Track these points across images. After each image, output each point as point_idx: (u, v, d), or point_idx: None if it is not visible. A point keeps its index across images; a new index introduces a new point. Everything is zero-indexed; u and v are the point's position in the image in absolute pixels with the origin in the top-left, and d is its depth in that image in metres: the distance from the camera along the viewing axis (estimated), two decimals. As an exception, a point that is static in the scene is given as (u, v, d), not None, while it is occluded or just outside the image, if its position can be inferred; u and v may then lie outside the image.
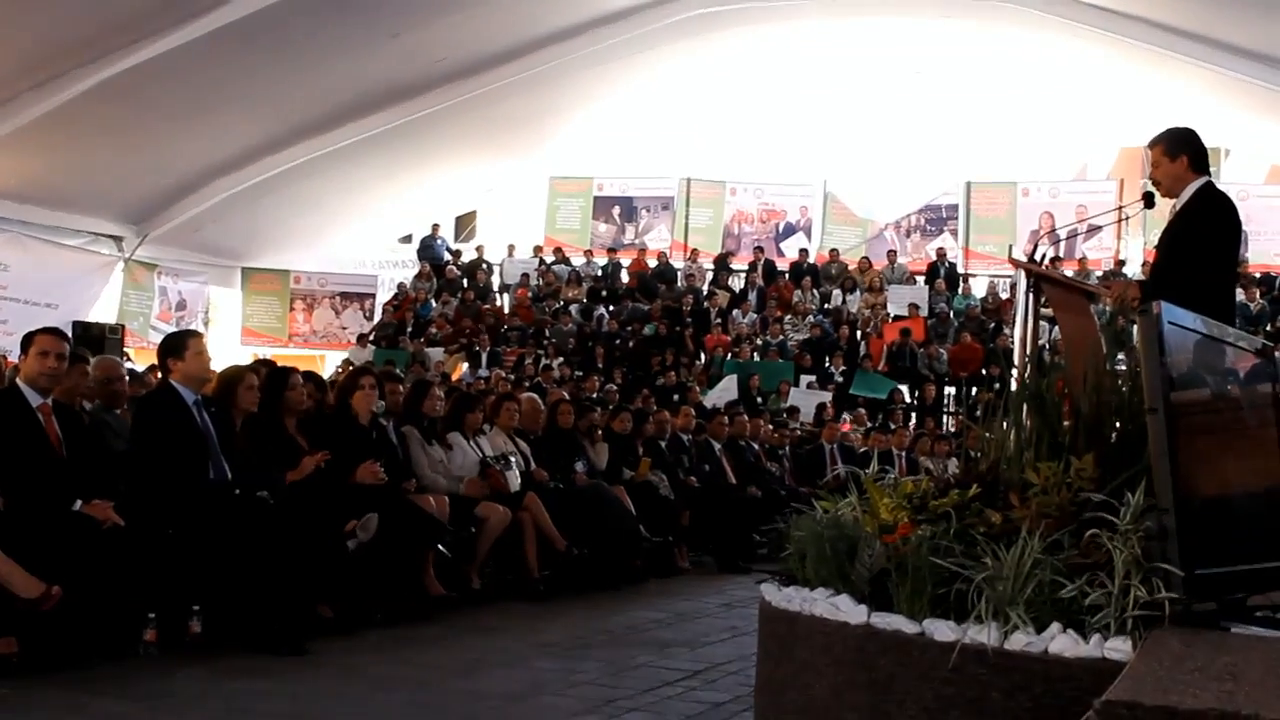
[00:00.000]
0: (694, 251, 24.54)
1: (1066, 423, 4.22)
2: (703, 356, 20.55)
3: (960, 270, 23.55)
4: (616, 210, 26.69)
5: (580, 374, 18.24)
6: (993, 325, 19.98)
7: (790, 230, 25.85)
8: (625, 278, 23.84)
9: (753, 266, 23.88)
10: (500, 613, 8.01)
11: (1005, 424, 4.30)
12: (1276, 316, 19.63)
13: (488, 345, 20.70)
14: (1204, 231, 5.39)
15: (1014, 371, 4.94)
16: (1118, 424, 4.17)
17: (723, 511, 11.61)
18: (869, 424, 16.49)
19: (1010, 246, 22.35)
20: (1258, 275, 21.35)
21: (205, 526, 6.39)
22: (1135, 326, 4.18)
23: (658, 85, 23.56)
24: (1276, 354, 4.36)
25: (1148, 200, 5.90)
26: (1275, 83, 17.59)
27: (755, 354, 20.25)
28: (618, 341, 21.07)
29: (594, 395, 15.84)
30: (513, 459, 9.27)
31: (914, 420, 17.98)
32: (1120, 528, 3.61)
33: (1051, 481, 3.85)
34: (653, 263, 24.36)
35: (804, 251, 24.22)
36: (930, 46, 22.50)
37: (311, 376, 8.44)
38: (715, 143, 27.30)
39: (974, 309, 21.17)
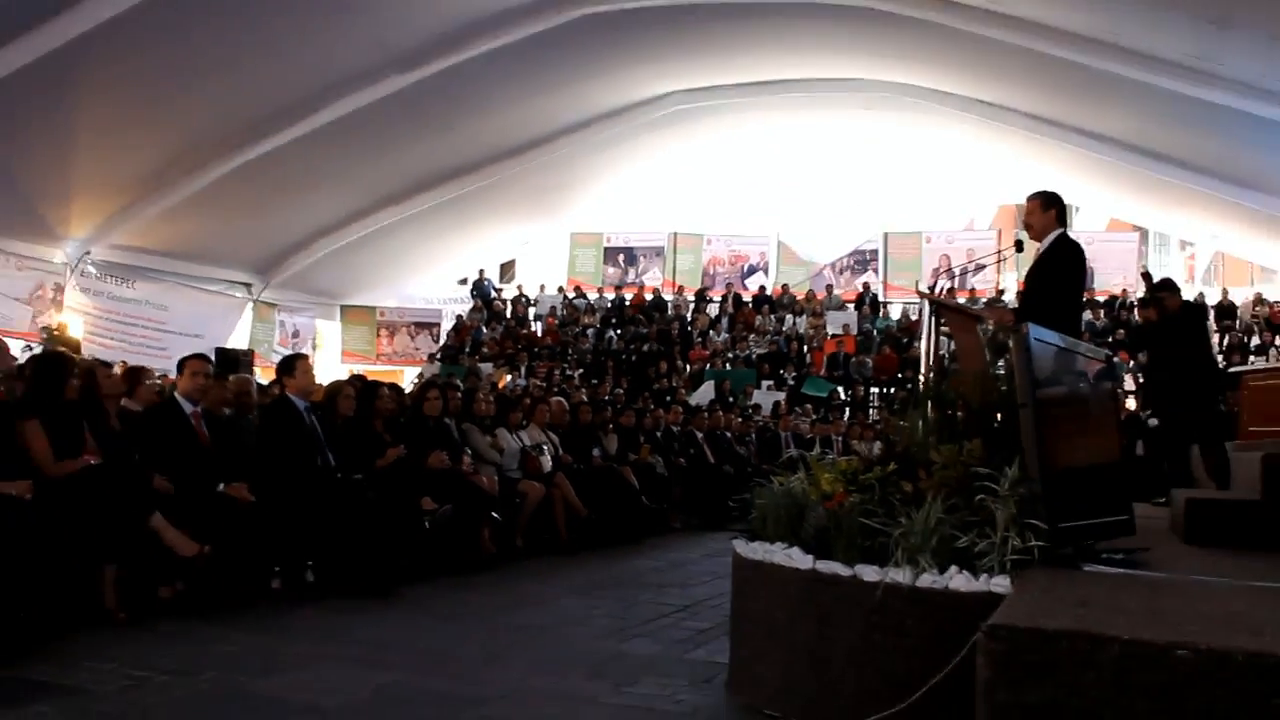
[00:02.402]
0: (680, 287, 24.42)
1: (960, 414, 4.22)
2: (688, 367, 20.49)
3: (881, 299, 23.41)
4: (621, 257, 26.58)
5: (595, 381, 18.12)
6: (906, 340, 19.89)
7: (753, 270, 25.76)
8: (629, 308, 23.74)
9: (725, 298, 23.73)
10: (536, 565, 8.01)
11: (915, 416, 4.31)
12: (1115, 331, 19.56)
13: (525, 360, 20.63)
14: (1061, 269, 5.40)
15: (921, 376, 4.94)
16: (999, 415, 4.18)
17: (704, 485, 11.62)
18: (814, 416, 16.42)
19: (917, 281, 22.26)
20: (1101, 299, 21.30)
21: (315, 502, 6.41)
22: (1010, 341, 4.20)
23: (651, 161, 23.48)
24: (1115, 361, 4.39)
25: (1018, 246, 5.93)
26: (1113, 156, 17.59)
27: (727, 364, 20.18)
28: (623, 356, 21.00)
29: (606, 398, 15.81)
30: (545, 447, 9.28)
31: (848, 414, 17.91)
32: (1001, 493, 3.64)
33: (949, 459, 3.87)
34: (649, 296, 24.24)
35: (763, 287, 24.08)
36: (858, 128, 22.51)
37: (393, 387, 8.45)
38: (696, 203, 27.30)
39: (892, 328, 21.05)
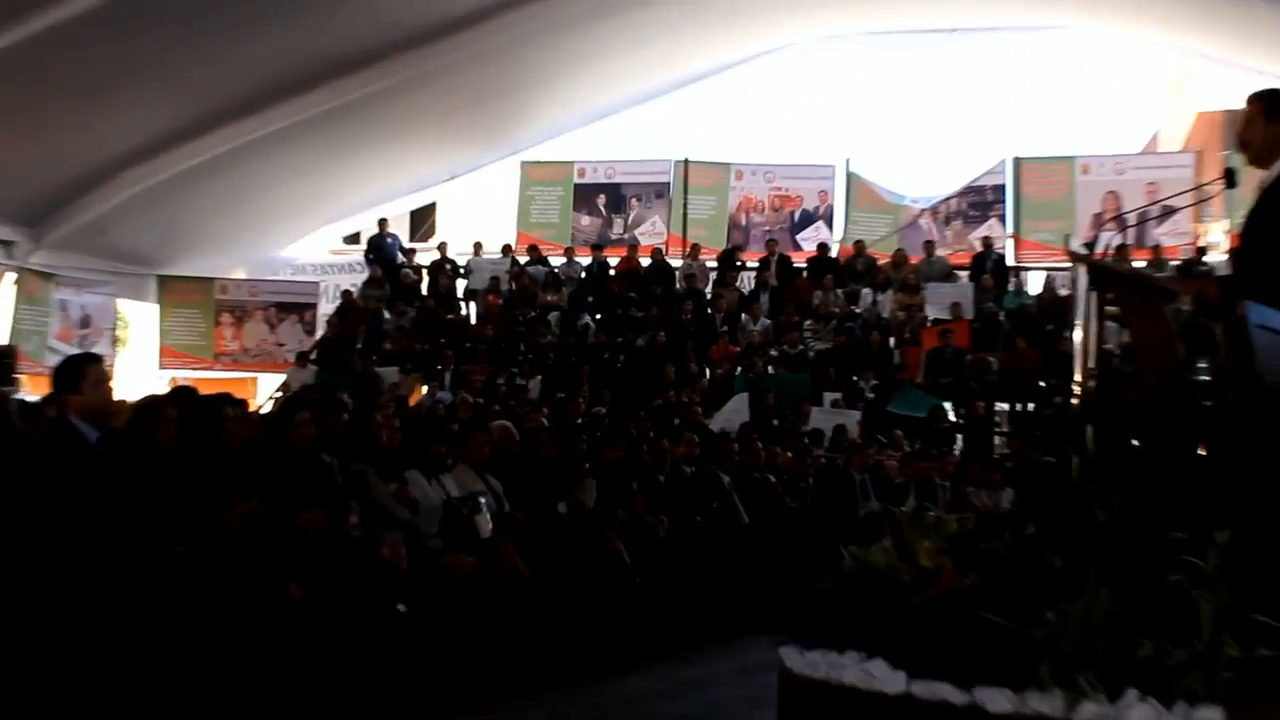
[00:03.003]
0: (694, 247, 24.44)
1: (1139, 445, 4.20)
2: (707, 372, 20.47)
3: (1010, 262, 23.53)
4: (601, 200, 26.69)
5: (562, 395, 18.08)
6: (1051, 327, 19.87)
7: (808, 219, 25.84)
8: (614, 280, 23.75)
9: (764, 263, 23.74)
10: (467, 697, 7.93)
11: (1068, 449, 4.29)
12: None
13: (451, 363, 20.60)
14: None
15: (1077, 384, 4.92)
16: (1200, 446, 4.16)
17: (734, 557, 11.58)
18: (907, 449, 16.39)
19: (1068, 235, 22.31)
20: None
21: (108, 594, 6.34)
22: (1220, 329, 4.18)
23: (649, 52, 23.53)
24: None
25: (1229, 178, 5.86)
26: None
27: (769, 367, 20.18)
28: (606, 356, 20.98)
29: (579, 421, 15.76)
30: (483, 500, 9.24)
31: (960, 443, 17.90)
32: (1207, 572, 3.60)
33: (1122, 517, 3.84)
34: (645, 261, 24.31)
35: (824, 245, 24.17)
36: (968, 2, 22.55)
37: (241, 405, 8.41)
38: (717, 119, 27.35)
39: (1028, 308, 21.10)
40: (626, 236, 26.05)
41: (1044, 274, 22.98)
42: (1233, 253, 5.99)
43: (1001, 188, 24.83)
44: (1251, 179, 5.65)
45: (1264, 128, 5.52)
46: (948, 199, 25.16)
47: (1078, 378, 5.03)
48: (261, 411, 14.93)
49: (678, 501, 11.76)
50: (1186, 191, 16.21)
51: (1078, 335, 5.17)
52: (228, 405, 7.94)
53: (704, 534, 11.58)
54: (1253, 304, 4.11)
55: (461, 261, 24.84)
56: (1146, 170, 24.06)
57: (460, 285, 24.57)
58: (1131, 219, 20.05)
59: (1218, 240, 21.76)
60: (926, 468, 15.01)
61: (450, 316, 23.15)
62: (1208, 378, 4.58)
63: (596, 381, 19.67)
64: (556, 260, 24.69)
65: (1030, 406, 18.20)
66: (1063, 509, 4.14)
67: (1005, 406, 19.19)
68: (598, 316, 22.66)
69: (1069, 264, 20.53)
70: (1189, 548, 3.75)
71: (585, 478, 10.94)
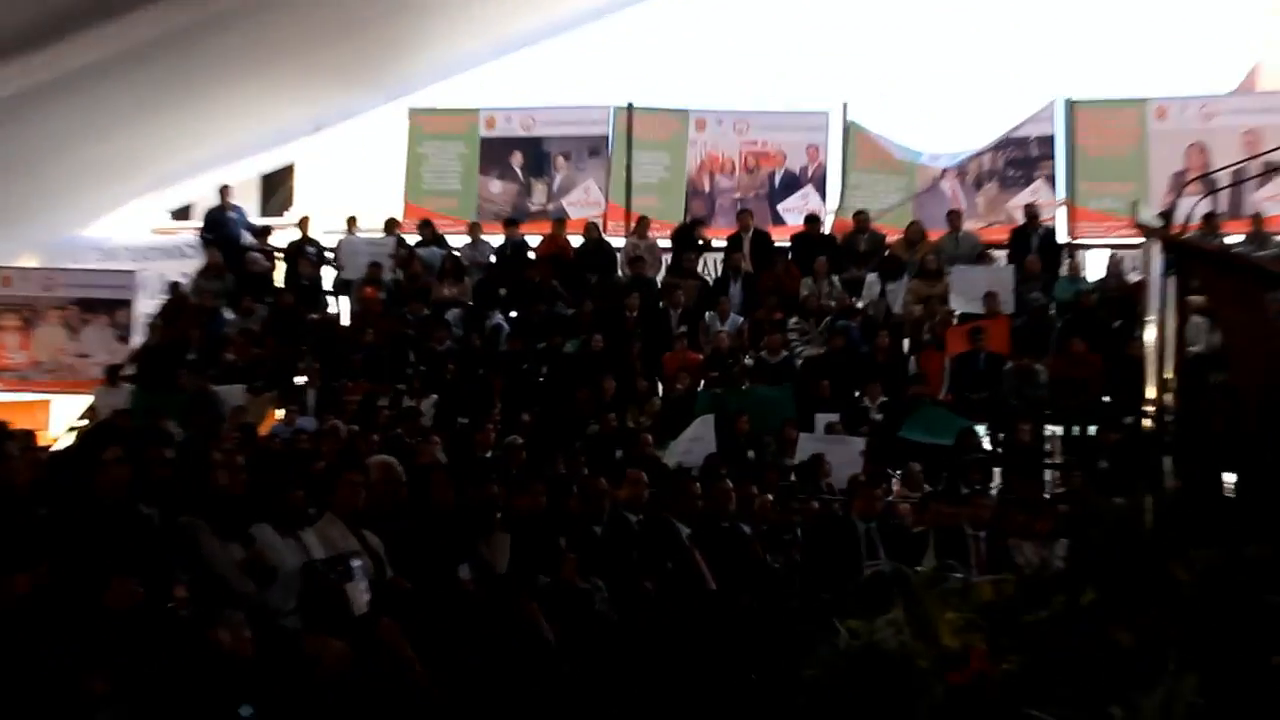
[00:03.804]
0: (642, 221, 24.49)
1: (1233, 480, 4.20)
2: (660, 388, 20.47)
3: (1063, 238, 23.70)
4: (517, 159, 26.86)
5: (465, 421, 18.08)
6: (1117, 324, 19.97)
7: (793, 184, 26.00)
8: (534, 266, 23.72)
9: (734, 242, 23.75)
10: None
11: (1138, 485, 4.29)
12: None
13: (317, 379, 20.57)
14: None
15: (1150, 397, 4.92)
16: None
17: (696, 635, 11.54)
18: (926, 488, 16.40)
19: (1136, 203, 22.42)
20: None
21: None
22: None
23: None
24: None
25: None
26: None
27: (743, 381, 20.20)
28: (524, 367, 20.97)
29: (487, 455, 15.73)
30: (357, 565, 9.20)
31: (997, 480, 17.93)
32: None
33: (1211, 579, 3.82)
34: (577, 240, 24.40)
35: (814, 217, 24.24)
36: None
37: (26, 438, 8.34)
38: (671, 53, 27.36)
39: (1087, 299, 21.17)
40: (551, 208, 26.22)
41: (1107, 253, 23.01)
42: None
43: (1050, 140, 25.00)
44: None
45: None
46: (979, 155, 25.27)
47: (1151, 392, 5.03)
48: (56, 446, 14.81)
49: (620, 562, 11.72)
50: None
51: (1151, 335, 5.16)
52: (7, 438, 7.87)
53: (655, 604, 11.53)
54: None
55: (330, 243, 24.80)
56: (1242, 115, 24.25)
57: (328, 275, 24.50)
58: (1223, 179, 20.10)
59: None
60: (952, 513, 14.96)
61: (314, 316, 23.12)
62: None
63: (511, 401, 19.64)
64: (457, 240, 24.67)
65: (1090, 430, 18.29)
66: (1133, 568, 4.14)
67: (1057, 430, 19.29)
68: (513, 315, 22.70)
69: (1139, 240, 20.63)
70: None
71: (496, 531, 10.90)
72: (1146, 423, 4.76)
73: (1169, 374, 5.08)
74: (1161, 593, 4.02)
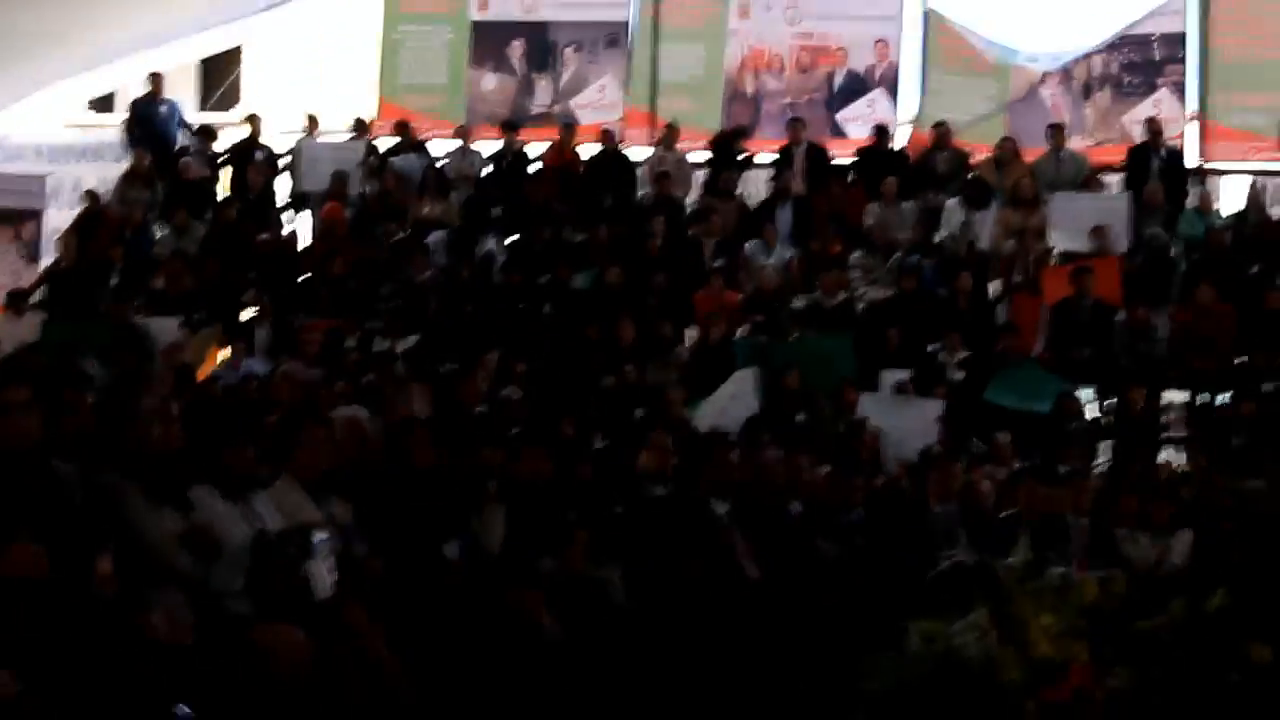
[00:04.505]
0: (670, 129, 24.54)
1: None
2: (689, 334, 20.49)
3: (1193, 162, 23.63)
4: (517, 49, 26.91)
5: (451, 368, 18.08)
6: (1258, 269, 19.94)
7: (858, 87, 25.97)
8: (536, 180, 23.76)
9: (784, 157, 23.86)
10: None
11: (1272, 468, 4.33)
12: None
13: (269, 314, 20.60)
14: None
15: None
16: None
17: (734, 635, 11.59)
18: (1017, 464, 16.43)
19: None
20: None
21: None
22: None
23: None
24: None
25: None
26: None
27: (792, 328, 20.24)
28: (522, 305, 21.01)
29: (477, 410, 15.75)
30: (319, 538, 9.23)
31: (1106, 457, 17.95)
32: None
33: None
34: (589, 150, 24.44)
35: (883, 129, 24.34)
36: None
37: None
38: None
39: (1220, 235, 21.12)
40: (557, 110, 26.19)
41: (1247, 181, 22.96)
42: None
43: (1180, 38, 24.89)
44: None
45: None
46: (1089, 55, 25.20)
47: None
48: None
49: (641, 544, 11.76)
50: None
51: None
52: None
53: (683, 597, 11.57)
54: None
55: (284, 147, 24.79)
56: None
57: (282, 186, 24.50)
58: None
59: None
60: (1049, 496, 15.01)
61: (265, 236, 23.12)
62: None
63: (507, 346, 19.65)
64: (442, 147, 24.66)
65: (1223, 399, 18.29)
66: (1272, 568, 4.17)
67: (1181, 397, 19.32)
68: (509, 240, 22.68)
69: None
70: None
71: (489, 503, 10.94)
72: None
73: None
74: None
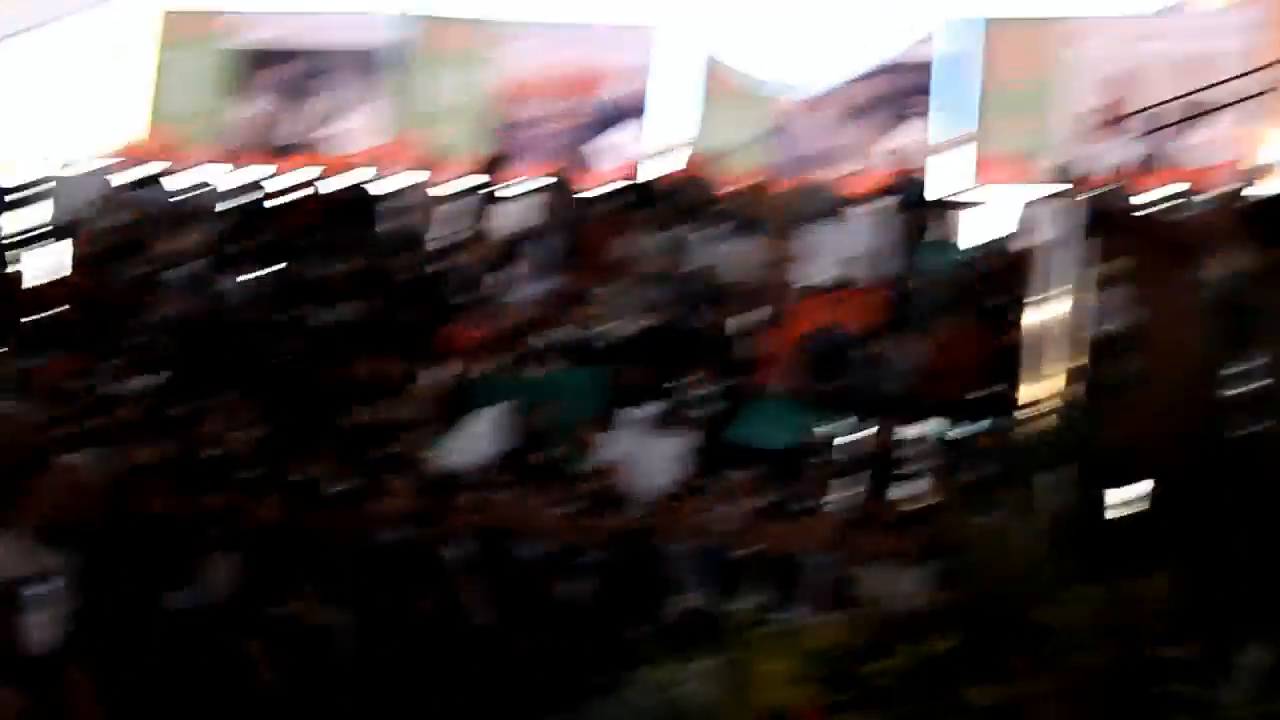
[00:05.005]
0: (426, 159, 24.52)
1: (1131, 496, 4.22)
2: (435, 369, 20.38)
3: (945, 190, 23.70)
4: (272, 76, 26.80)
5: (185, 410, 17.91)
6: (1008, 299, 20.12)
7: (613, 117, 25.99)
8: (286, 212, 23.63)
9: (537, 188, 23.80)
10: None
11: (1020, 502, 4.32)
12: None
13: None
14: None
15: (1039, 395, 4.97)
16: (1222, 499, 4.19)
17: (461, 680, 11.53)
18: (760, 500, 16.46)
19: (1040, 148, 22.66)
20: None
21: None
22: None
23: None
24: None
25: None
26: None
27: (541, 362, 20.23)
28: (264, 342, 20.85)
29: (218, 454, 15.58)
30: (37, 590, 9.09)
31: (850, 490, 18.03)
32: (1225, 706, 3.59)
33: (1091, 621, 3.82)
34: (346, 181, 24.35)
35: (636, 160, 24.51)
36: None
37: None
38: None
39: (969, 266, 21.35)
40: (313, 139, 26.09)
41: (1000, 210, 23.14)
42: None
43: (933, 67, 25.14)
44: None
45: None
46: (844, 84, 25.37)
47: (1038, 386, 5.06)
48: None
49: (372, 591, 11.69)
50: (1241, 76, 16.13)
51: (1045, 313, 5.19)
52: None
53: (411, 642, 11.51)
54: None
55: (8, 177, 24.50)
56: (1175, 40, 24.51)
57: (11, 220, 24.21)
58: (1147, 124, 20.36)
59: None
60: (788, 534, 15.05)
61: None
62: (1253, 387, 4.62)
63: (245, 386, 19.51)
64: (188, 178, 24.43)
65: (970, 431, 18.44)
66: (998, 609, 4.14)
67: (927, 430, 19.38)
68: (258, 272, 22.48)
69: (1042, 195, 20.78)
70: (1198, 671, 3.76)
71: (215, 550, 10.84)
72: (1036, 423, 4.76)
73: (1065, 364, 5.09)
74: (1037, 640, 3.98)
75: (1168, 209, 18.98)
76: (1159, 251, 5.11)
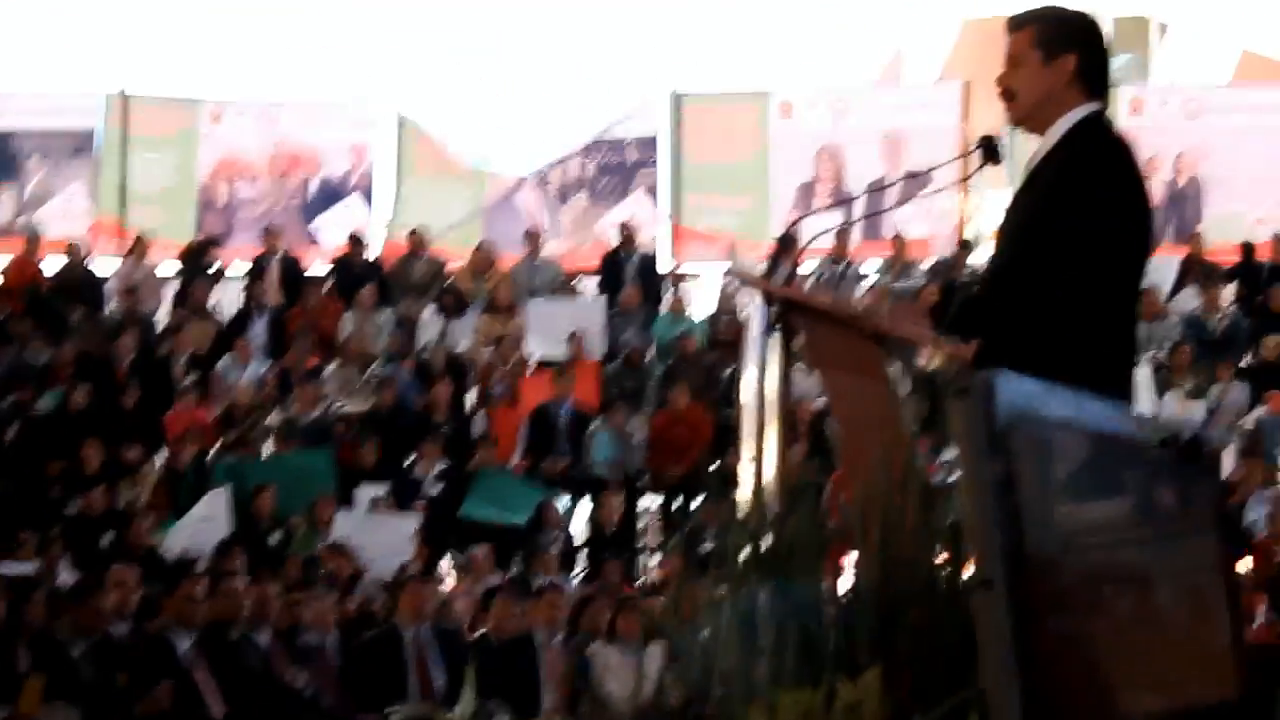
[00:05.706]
0: (139, 240, 24.07)
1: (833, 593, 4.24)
2: (161, 454, 20.15)
3: (666, 264, 23.91)
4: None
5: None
6: (731, 370, 20.17)
7: (333, 193, 25.88)
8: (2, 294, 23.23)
9: (258, 267, 23.65)
10: None
11: (721, 599, 4.29)
12: (1261, 334, 20.56)
13: None
14: (1081, 205, 5.44)
15: (740, 476, 4.94)
16: (931, 597, 4.22)
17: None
18: (494, 579, 16.40)
19: (733, 246, 22.82)
20: (1223, 265, 22.37)
21: None
22: (952, 401, 4.26)
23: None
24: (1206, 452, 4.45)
25: (988, 148, 5.96)
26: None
27: (268, 444, 20.06)
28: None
29: None
30: None
31: (583, 568, 18.02)
32: None
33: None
34: (55, 264, 23.98)
35: (358, 237, 24.25)
36: None
37: None
38: (177, 30, 27.03)
39: (692, 339, 21.50)
40: (20, 222, 25.63)
41: (719, 283, 23.16)
42: (989, 268, 6.00)
43: (652, 142, 25.24)
44: (1020, 153, 5.79)
45: (1037, 69, 5.63)
46: (564, 160, 25.35)
47: (749, 457, 5.06)
48: None
49: (100, 686, 11.54)
50: (942, 158, 16.26)
51: (748, 396, 5.20)
52: None
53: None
54: (1007, 373, 4.18)
55: None
56: (885, 112, 24.72)
57: None
58: (860, 191, 20.48)
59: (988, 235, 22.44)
60: (521, 613, 14.98)
61: None
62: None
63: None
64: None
65: (696, 504, 18.44)
66: (713, 704, 4.16)
67: (659, 502, 19.52)
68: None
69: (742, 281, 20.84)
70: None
71: None
72: (738, 511, 4.79)
73: (768, 451, 5.14)
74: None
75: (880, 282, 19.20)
76: (855, 346, 5.16)
